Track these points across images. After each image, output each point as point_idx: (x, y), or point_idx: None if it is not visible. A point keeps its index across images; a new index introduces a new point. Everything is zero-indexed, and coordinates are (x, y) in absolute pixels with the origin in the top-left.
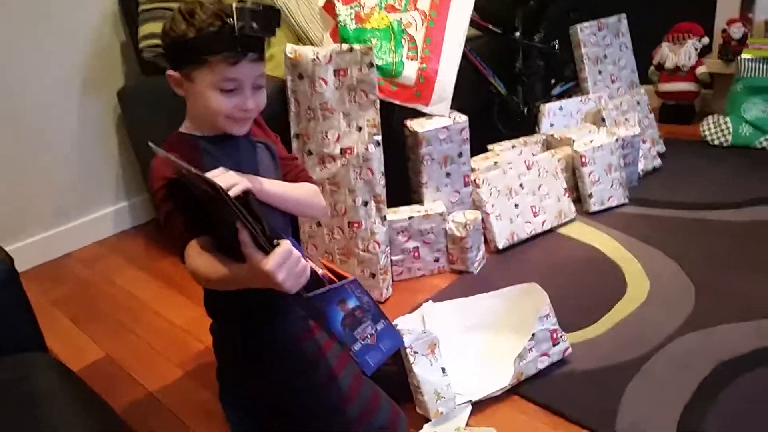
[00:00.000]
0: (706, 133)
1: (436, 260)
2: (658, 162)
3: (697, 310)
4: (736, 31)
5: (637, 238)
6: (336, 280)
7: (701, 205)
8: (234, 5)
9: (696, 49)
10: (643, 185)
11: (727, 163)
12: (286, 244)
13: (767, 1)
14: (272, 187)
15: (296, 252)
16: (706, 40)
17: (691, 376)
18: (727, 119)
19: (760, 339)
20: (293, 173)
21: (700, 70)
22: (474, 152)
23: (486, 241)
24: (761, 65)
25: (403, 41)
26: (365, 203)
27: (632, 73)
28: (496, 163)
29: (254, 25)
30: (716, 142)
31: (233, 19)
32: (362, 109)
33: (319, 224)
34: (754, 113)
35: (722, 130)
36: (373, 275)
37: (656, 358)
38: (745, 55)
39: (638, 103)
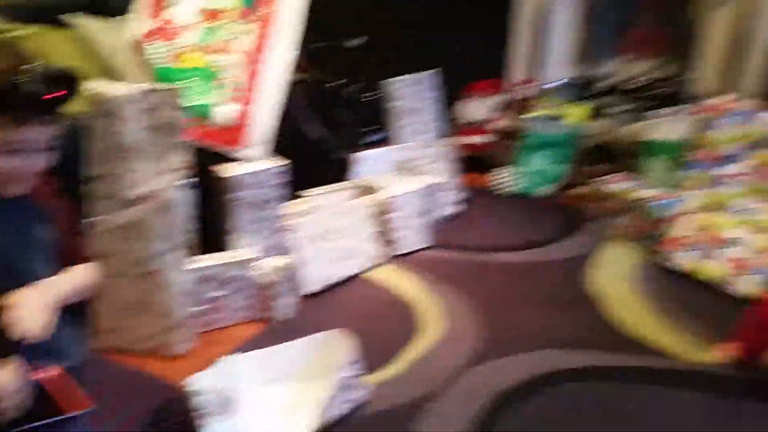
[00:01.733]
0: (498, 182)
1: (244, 309)
2: (458, 208)
3: (486, 344)
4: (526, 91)
5: (437, 280)
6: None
7: (492, 247)
8: (23, 66)
9: (493, 106)
10: (444, 230)
11: (515, 210)
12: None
13: (551, 68)
14: (66, 288)
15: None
16: (501, 98)
17: (471, 408)
18: (516, 170)
19: (535, 368)
20: (70, 251)
21: (496, 124)
22: (289, 197)
23: (297, 287)
24: (544, 122)
25: (219, 83)
26: (166, 251)
27: (440, 125)
28: (309, 208)
29: (44, 88)
30: (507, 191)
31: (20, 81)
32: (168, 151)
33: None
34: (537, 165)
35: (512, 180)
36: (171, 329)
37: (444, 393)
38: (532, 114)
39: (443, 153)
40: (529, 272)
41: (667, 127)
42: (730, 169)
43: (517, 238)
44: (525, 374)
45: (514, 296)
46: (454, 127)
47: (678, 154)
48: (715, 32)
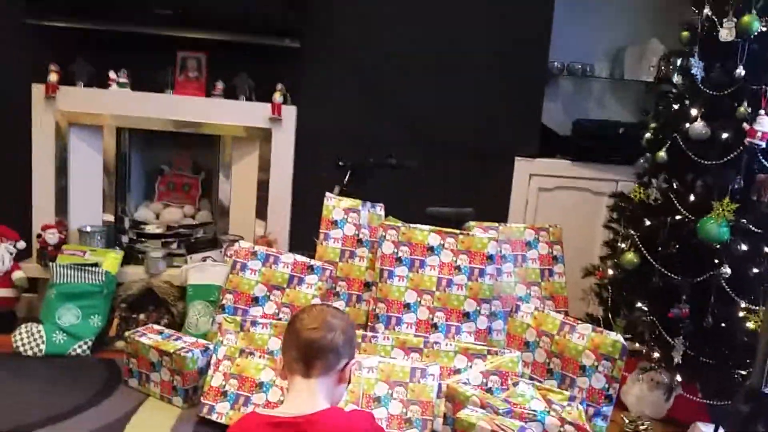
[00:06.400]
0: (19, 343)
1: None
2: None
3: None
4: (51, 236)
5: None
6: None
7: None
8: None
9: (11, 253)
10: None
11: (40, 375)
12: None
13: (80, 210)
14: None
15: None
16: (22, 243)
17: None
18: (41, 327)
19: None
20: None
21: (17, 275)
22: None
23: None
24: (74, 271)
25: None
26: None
27: None
28: None
29: None
30: (30, 353)
31: None
32: None
33: None
34: (68, 319)
35: (35, 339)
36: None
37: None
38: (59, 261)
39: None
40: None
41: (203, 271)
42: (259, 310)
43: (40, 410)
44: None
45: None
46: None
47: (215, 298)
48: (237, 181)
